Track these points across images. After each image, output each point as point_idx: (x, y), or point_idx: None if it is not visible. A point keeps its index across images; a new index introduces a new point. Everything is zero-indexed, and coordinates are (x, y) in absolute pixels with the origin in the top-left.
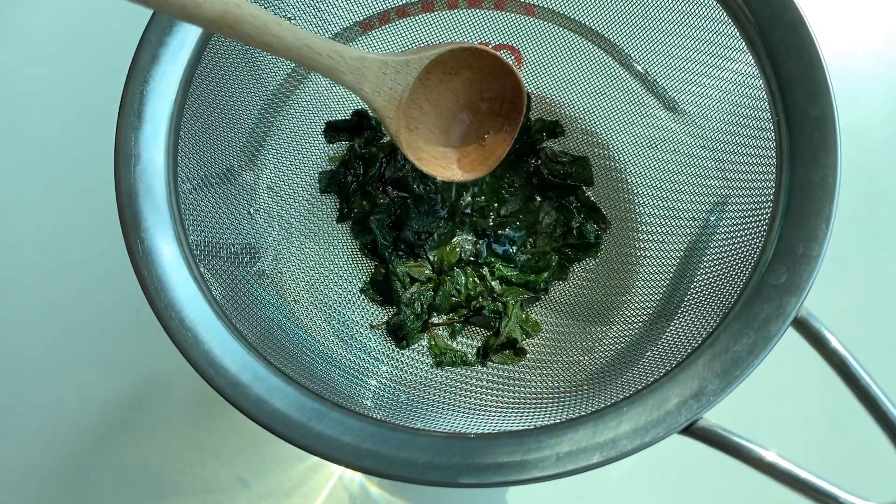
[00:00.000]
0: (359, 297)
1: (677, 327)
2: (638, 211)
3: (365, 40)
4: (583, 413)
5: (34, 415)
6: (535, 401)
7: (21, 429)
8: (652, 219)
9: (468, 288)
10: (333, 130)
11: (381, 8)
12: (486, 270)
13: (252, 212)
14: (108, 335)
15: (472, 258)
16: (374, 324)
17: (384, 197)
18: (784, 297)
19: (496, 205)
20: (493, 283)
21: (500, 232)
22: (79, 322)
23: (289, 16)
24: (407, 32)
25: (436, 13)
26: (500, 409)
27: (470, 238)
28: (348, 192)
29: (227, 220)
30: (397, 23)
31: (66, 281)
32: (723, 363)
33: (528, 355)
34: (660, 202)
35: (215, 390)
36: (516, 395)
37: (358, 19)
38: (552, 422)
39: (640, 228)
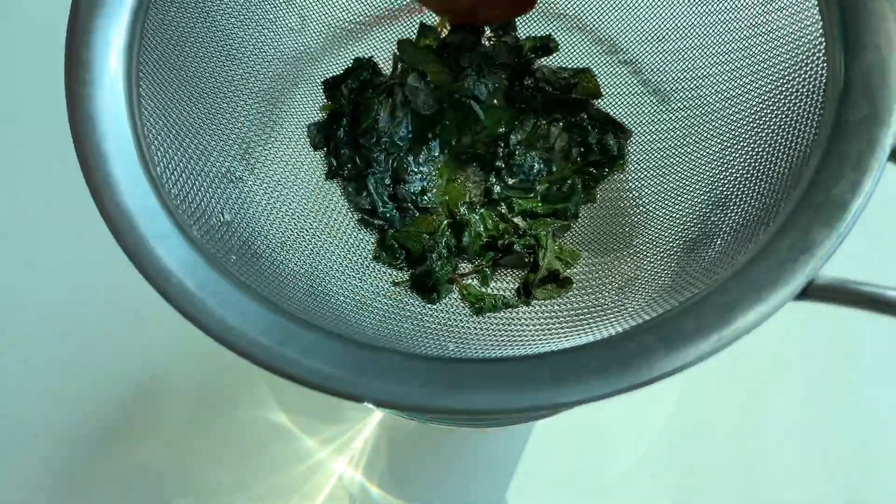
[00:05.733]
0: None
1: (746, 199)
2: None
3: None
4: (675, 304)
5: (31, 418)
6: (609, 314)
7: (18, 432)
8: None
9: (489, 230)
10: (334, 87)
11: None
12: (503, 208)
13: (237, 170)
14: (107, 336)
15: (485, 199)
16: (397, 280)
17: (379, 151)
18: (873, 130)
19: (502, 135)
20: (515, 220)
21: (511, 162)
22: (76, 323)
23: None
24: None
25: None
26: (582, 329)
27: (478, 178)
28: (339, 146)
29: (209, 176)
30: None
31: (62, 282)
32: (826, 211)
33: (574, 285)
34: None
35: (241, 355)
36: (588, 316)
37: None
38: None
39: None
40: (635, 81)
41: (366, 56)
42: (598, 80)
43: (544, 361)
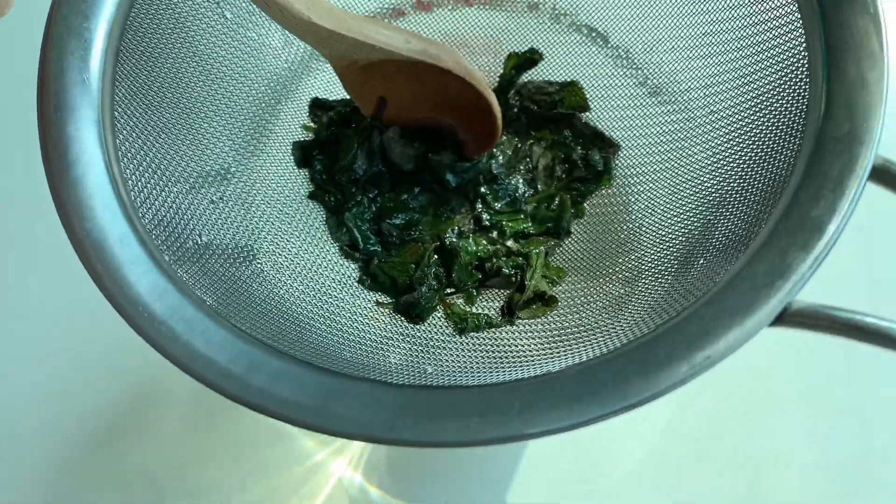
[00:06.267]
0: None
1: (729, 216)
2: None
3: None
4: (653, 327)
5: (30, 419)
6: (589, 336)
7: (17, 433)
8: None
9: (479, 255)
10: (320, 109)
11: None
12: (494, 234)
13: (216, 192)
14: (105, 338)
15: (474, 228)
16: (381, 301)
17: (357, 189)
18: (854, 147)
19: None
20: (507, 243)
21: (496, 187)
22: (75, 325)
23: None
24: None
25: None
26: (560, 351)
27: (465, 209)
28: (319, 179)
29: (187, 198)
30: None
31: (61, 284)
32: (804, 234)
33: (559, 304)
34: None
35: (207, 386)
36: (567, 337)
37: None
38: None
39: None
40: (630, 94)
41: None
42: (594, 91)
43: (516, 390)
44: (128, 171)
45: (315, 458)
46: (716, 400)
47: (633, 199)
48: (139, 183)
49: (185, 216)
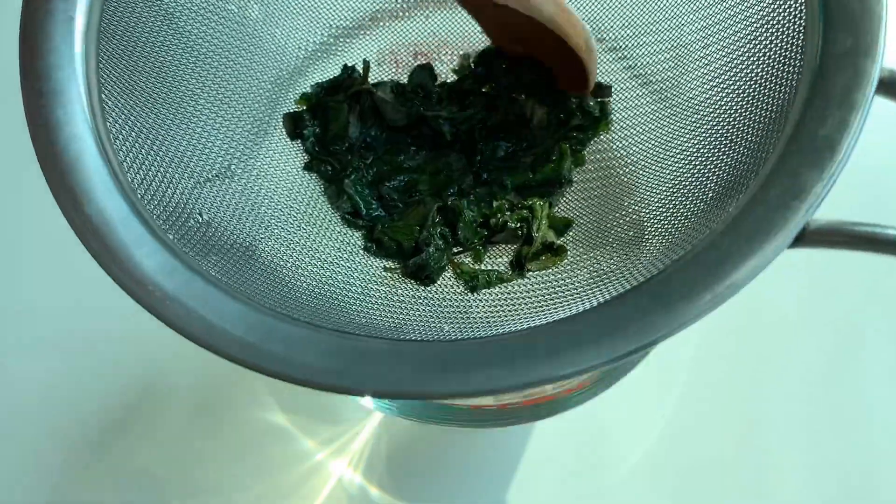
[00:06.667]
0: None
1: (734, 143)
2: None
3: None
4: (668, 263)
5: (31, 419)
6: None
7: (18, 434)
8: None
9: (483, 211)
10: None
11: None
12: (496, 188)
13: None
14: (106, 338)
15: (475, 184)
16: (389, 266)
17: (354, 157)
18: (858, 61)
19: (478, 117)
20: (509, 197)
21: (494, 143)
22: (75, 324)
23: None
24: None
25: None
26: (578, 296)
27: (462, 164)
28: (312, 149)
29: (184, 177)
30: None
31: (60, 283)
32: (814, 153)
33: (568, 252)
34: None
35: (227, 358)
36: (583, 284)
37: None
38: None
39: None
40: (617, 26)
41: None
42: None
43: (538, 335)
44: (121, 152)
45: (315, 458)
46: (717, 398)
47: (632, 141)
48: (135, 163)
49: (185, 194)
